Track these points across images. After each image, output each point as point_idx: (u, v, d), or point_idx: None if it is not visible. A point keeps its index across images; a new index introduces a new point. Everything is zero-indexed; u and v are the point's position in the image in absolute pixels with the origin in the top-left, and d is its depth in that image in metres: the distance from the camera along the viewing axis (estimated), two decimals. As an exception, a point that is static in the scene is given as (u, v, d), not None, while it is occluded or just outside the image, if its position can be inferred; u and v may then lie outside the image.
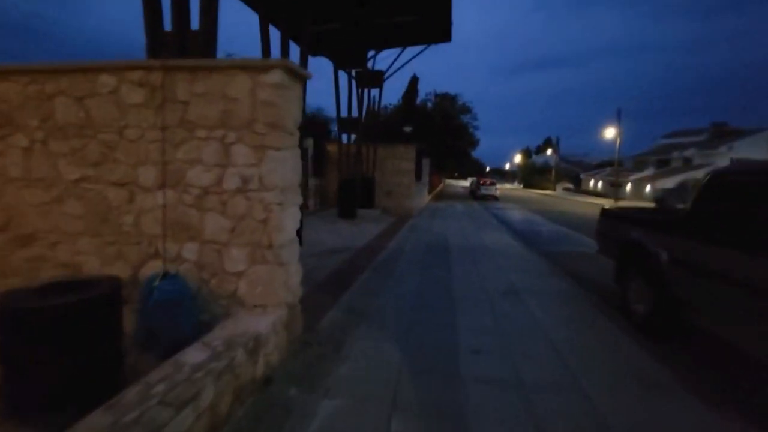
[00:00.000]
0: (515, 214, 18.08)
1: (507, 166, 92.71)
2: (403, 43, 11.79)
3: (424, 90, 27.25)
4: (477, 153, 59.92)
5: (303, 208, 3.70)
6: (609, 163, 58.84)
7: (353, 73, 12.06)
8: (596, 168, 57.85)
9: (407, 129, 19.39)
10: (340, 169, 11.78)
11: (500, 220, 14.43)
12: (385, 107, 25.00)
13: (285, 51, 6.27)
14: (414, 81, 25.06)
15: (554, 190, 50.62)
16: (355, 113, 12.21)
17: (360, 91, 12.25)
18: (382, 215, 12.67)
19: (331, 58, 10.55)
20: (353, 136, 12.43)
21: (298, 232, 3.27)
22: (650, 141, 47.04)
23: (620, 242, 4.48)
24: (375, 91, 12.32)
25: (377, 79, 12.05)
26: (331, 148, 13.44)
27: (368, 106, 12.31)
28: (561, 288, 5.28)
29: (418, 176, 20.81)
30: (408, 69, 26.25)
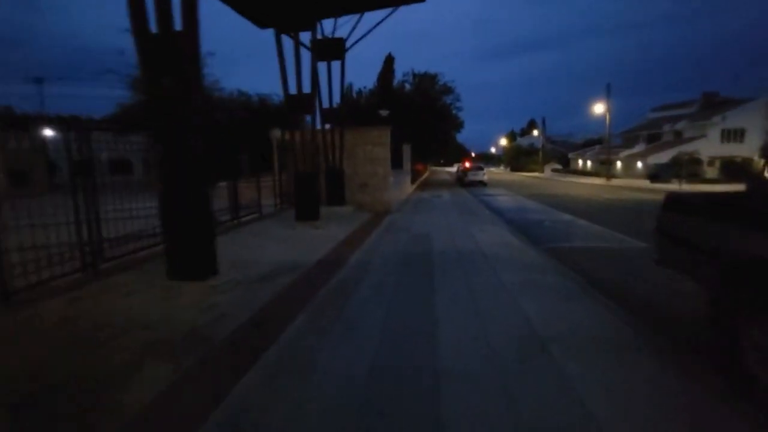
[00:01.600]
0: (507, 201, 16.25)
1: (492, 150, 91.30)
2: (365, 6, 9.70)
3: (401, 71, 25.05)
4: (461, 138, 58.12)
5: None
6: (595, 142, 57.77)
7: (309, 43, 9.93)
8: (582, 147, 56.67)
9: (383, 113, 17.32)
10: (297, 163, 9.68)
11: (493, 210, 12.56)
12: (360, 91, 22.92)
13: None
14: (389, 60, 22.90)
15: (542, 171, 49.20)
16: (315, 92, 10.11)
17: (315, 64, 10.12)
18: (355, 213, 10.66)
19: (273, 25, 8.37)
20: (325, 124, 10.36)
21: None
22: (637, 118, 45.79)
23: (723, 258, 2.57)
24: (337, 65, 10.22)
25: (337, 48, 9.95)
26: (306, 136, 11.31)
27: (329, 82, 10.23)
28: (604, 322, 3.39)
29: (398, 164, 18.80)
30: (382, 49, 24.04)
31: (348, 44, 10.06)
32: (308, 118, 10.30)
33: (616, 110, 33.26)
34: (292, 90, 8.35)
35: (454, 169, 52.89)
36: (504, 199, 17.12)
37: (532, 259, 5.96)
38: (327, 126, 10.40)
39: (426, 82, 22.54)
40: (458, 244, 6.98)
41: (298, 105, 8.05)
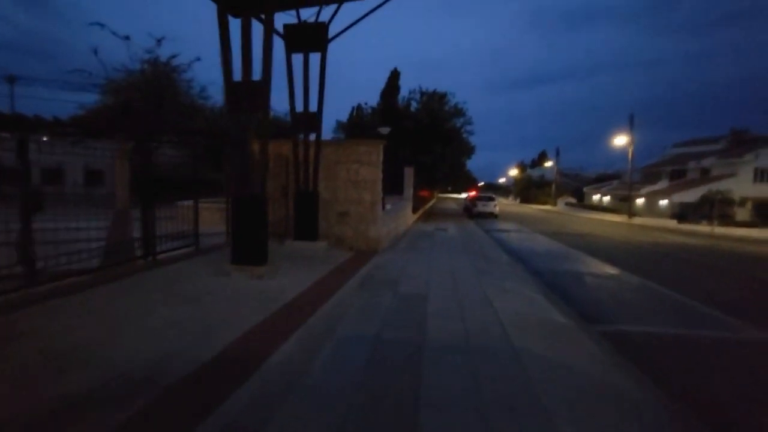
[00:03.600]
0: (526, 240, 13.54)
1: (502, 180, 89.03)
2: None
3: (408, 89, 23.02)
4: (470, 166, 55.99)
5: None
6: (610, 177, 55.24)
7: (280, 28, 7.66)
8: (595, 182, 54.08)
9: (383, 130, 15.01)
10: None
11: (510, 253, 9.88)
12: (360, 107, 20.77)
13: None
14: (394, 75, 20.85)
15: (555, 205, 46.53)
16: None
17: (289, 55, 7.81)
18: (329, 252, 8.05)
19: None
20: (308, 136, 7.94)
21: None
22: (655, 154, 43.33)
23: None
24: (316, 60, 7.88)
25: (316, 36, 7.63)
26: (270, 148, 8.88)
27: (305, 79, 7.86)
28: None
29: (397, 189, 16.32)
30: (387, 66, 21.81)
31: (332, 32, 7.76)
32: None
33: (634, 144, 30.82)
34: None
35: (462, 197, 50.50)
36: (521, 237, 14.41)
37: (602, 370, 3.27)
38: (302, 136, 7.97)
39: (434, 101, 20.40)
40: (469, 323, 4.30)
41: (243, 96, 5.61)
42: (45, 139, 5.41)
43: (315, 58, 7.79)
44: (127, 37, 15.20)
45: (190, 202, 9.44)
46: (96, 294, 4.44)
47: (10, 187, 4.40)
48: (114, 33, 15.65)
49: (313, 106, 7.94)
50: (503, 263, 8.17)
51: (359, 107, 21.06)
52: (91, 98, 17.10)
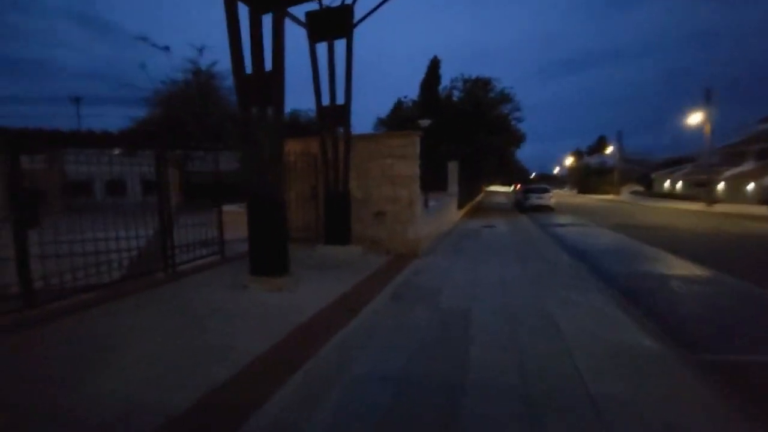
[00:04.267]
0: (588, 236, 11.96)
1: (556, 170, 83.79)
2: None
3: (449, 77, 21.74)
4: (519, 158, 53.04)
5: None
6: (679, 161, 49.47)
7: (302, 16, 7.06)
8: (664, 167, 48.72)
9: (424, 123, 14.07)
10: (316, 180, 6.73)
11: (574, 253, 8.56)
12: (400, 102, 19.90)
13: None
14: (434, 64, 19.69)
15: (619, 194, 42.61)
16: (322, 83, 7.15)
17: (312, 46, 7.18)
18: (362, 257, 7.35)
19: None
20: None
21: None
22: (728, 133, 37.88)
23: None
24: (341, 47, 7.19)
25: (340, 21, 6.93)
26: (297, 147, 8.40)
27: (330, 69, 7.19)
28: None
29: (438, 185, 15.31)
30: (426, 55, 20.64)
31: (358, 15, 7.03)
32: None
33: (701, 125, 26.83)
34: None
35: (511, 190, 48.03)
36: (582, 233, 12.81)
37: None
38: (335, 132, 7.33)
39: (478, 88, 19.03)
40: (525, 353, 3.35)
41: (259, 93, 5.03)
42: (116, 152, 5.34)
43: (341, 47, 7.10)
44: (166, 48, 15.59)
45: (234, 207, 9.23)
46: (89, 316, 4.04)
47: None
48: (154, 45, 16.16)
49: (340, 99, 7.28)
50: (564, 265, 6.97)
51: (399, 102, 20.25)
52: (142, 111, 17.83)
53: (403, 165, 7.64)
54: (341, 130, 7.40)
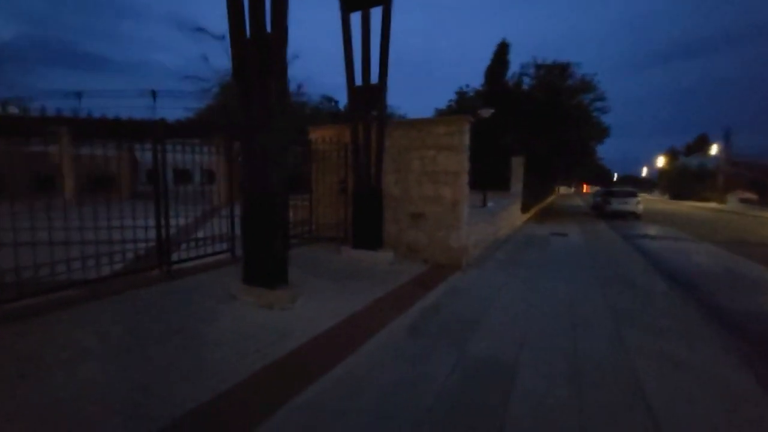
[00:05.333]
0: (692, 254, 9.52)
1: (644, 172, 74.73)
2: None
3: (519, 64, 19.45)
4: (601, 156, 47.77)
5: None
6: (811, 164, 40.62)
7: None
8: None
9: (484, 113, 12.42)
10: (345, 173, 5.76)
11: (672, 278, 6.54)
12: (462, 91, 18.15)
13: None
14: (502, 48, 17.58)
15: (723, 202, 36.25)
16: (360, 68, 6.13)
17: (346, 15, 6.12)
18: (393, 265, 6.19)
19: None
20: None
21: None
22: None
23: None
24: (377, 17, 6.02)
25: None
26: (322, 135, 7.48)
27: (364, 42, 6.07)
28: None
29: (499, 184, 13.56)
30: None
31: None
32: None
33: None
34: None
35: (590, 192, 43.44)
36: (680, 250, 10.31)
37: None
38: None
39: (554, 74, 16.65)
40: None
41: (258, 64, 4.05)
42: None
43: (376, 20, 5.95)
44: (222, 37, 15.67)
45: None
46: (30, 326, 3.36)
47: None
48: (213, 36, 16.35)
49: (375, 78, 6.14)
50: (659, 296, 5.16)
51: (461, 91, 18.51)
52: (204, 103, 18.33)
53: (448, 158, 6.29)
54: (376, 114, 6.28)
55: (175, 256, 5.16)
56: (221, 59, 16.98)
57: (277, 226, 4.16)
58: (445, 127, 6.27)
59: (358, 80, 6.26)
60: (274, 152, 4.10)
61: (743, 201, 34.92)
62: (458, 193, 6.26)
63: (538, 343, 3.50)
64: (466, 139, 6.22)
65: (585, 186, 29.48)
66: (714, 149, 43.25)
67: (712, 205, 35.44)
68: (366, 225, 6.34)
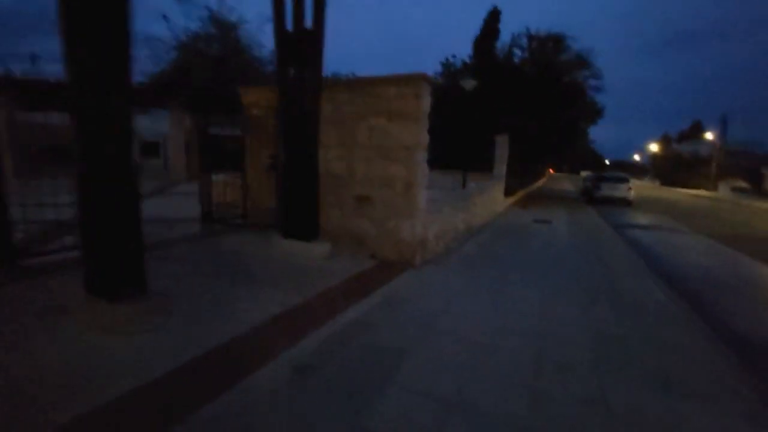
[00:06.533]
0: (691, 250, 8.45)
1: (636, 158, 74.00)
2: None
3: (510, 30, 17.83)
4: (593, 139, 46.66)
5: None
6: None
7: None
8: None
9: (466, 84, 11.04)
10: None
11: (672, 283, 5.44)
12: (448, 62, 16.59)
13: None
14: (493, 16, 15.94)
15: (715, 190, 35.59)
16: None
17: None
18: (324, 263, 4.98)
19: None
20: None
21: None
22: None
23: None
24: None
25: None
26: (257, 98, 6.12)
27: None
28: None
29: (481, 164, 12.32)
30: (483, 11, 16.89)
31: None
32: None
33: None
34: None
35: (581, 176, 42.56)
36: (677, 245, 9.25)
37: None
38: (292, 71, 4.87)
39: (547, 48, 15.19)
40: None
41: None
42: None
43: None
44: None
45: (221, 176, 7.23)
46: None
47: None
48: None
49: (309, 22, 4.75)
50: (659, 316, 4.04)
51: (447, 63, 16.92)
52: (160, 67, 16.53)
53: (402, 128, 4.99)
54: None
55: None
56: (181, 19, 15.11)
57: (122, 220, 2.88)
58: (397, 88, 4.94)
59: (291, 24, 4.86)
60: (108, 122, 2.77)
61: (736, 190, 34.28)
62: (413, 172, 5.00)
63: (478, 406, 2.33)
64: (425, 104, 4.92)
65: (550, 170, 28.55)
66: (708, 136, 42.28)
67: (704, 192, 34.78)
68: (298, 210, 5.07)
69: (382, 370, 2.63)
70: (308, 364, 2.63)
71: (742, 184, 36.71)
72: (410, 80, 4.85)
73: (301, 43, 4.72)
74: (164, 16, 15.89)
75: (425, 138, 5.08)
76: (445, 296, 4.14)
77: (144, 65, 15.42)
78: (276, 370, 2.52)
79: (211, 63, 14.42)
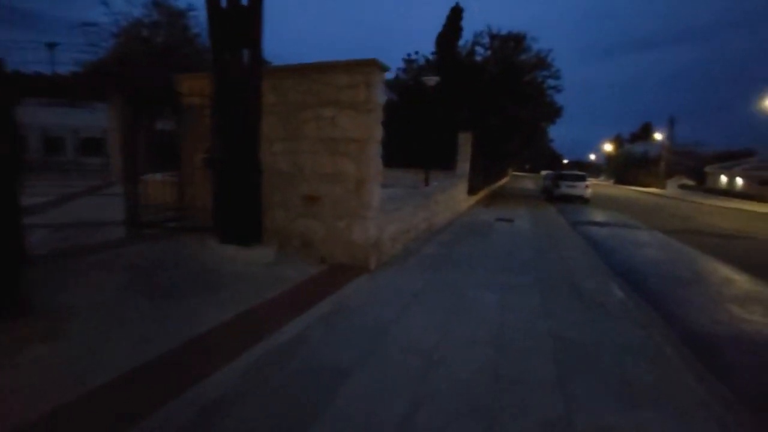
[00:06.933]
0: (645, 246, 8.58)
1: (592, 157, 77.58)
2: None
3: (472, 29, 17.88)
4: (553, 138, 48.32)
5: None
6: (737, 154, 43.40)
7: None
8: (717, 160, 42.88)
9: (429, 80, 10.77)
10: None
11: (628, 278, 5.36)
12: (411, 59, 16.36)
13: None
14: (456, 13, 15.85)
15: (664, 187, 37.72)
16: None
17: None
18: (267, 270, 4.48)
19: None
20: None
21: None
22: None
23: None
24: None
25: None
26: (193, 85, 5.49)
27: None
28: None
29: (444, 163, 12.16)
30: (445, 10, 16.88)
31: None
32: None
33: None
34: None
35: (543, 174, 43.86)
36: (632, 241, 9.41)
37: None
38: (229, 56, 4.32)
39: (508, 47, 15.31)
40: None
41: None
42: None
43: None
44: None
45: (158, 176, 6.50)
46: None
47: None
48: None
49: (247, -3, 4.22)
50: (617, 312, 3.86)
51: (409, 59, 16.67)
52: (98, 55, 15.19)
53: (352, 119, 4.56)
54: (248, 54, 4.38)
55: None
56: (122, 4, 13.88)
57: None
58: (348, 76, 4.51)
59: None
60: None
61: (682, 187, 36.50)
62: (365, 168, 4.58)
63: (433, 414, 1.95)
64: (378, 94, 4.51)
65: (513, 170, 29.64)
66: (658, 137, 44.86)
67: (654, 190, 36.76)
68: (238, 211, 4.53)
69: (316, 397, 2.20)
70: (222, 398, 2.15)
71: (688, 181, 39.20)
72: (361, 66, 4.43)
73: (237, 21, 4.18)
74: (103, 1, 14.62)
75: (379, 131, 4.68)
76: (399, 303, 3.76)
77: (79, 53, 14.07)
78: (172, 415, 2.02)
79: (157, 52, 13.36)
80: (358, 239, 4.69)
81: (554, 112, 16.63)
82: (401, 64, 17.04)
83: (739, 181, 32.13)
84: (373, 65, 4.37)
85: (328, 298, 3.69)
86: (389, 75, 17.85)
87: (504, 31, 15.65)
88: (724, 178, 34.80)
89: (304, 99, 4.78)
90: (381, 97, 4.57)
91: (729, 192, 30.76)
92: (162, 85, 6.75)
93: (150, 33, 14.00)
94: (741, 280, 5.82)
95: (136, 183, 5.20)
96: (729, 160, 40.27)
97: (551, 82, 16.38)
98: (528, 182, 40.13)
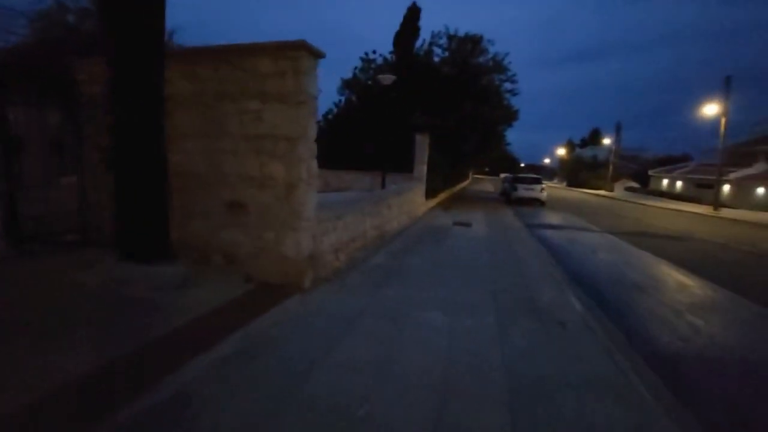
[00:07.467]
0: (597, 248, 8.48)
1: (547, 161, 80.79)
2: None
3: (430, 31, 17.58)
4: (510, 146, 49.59)
5: None
6: (675, 159, 46.68)
7: None
8: (658, 164, 45.97)
9: (384, 79, 10.24)
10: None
11: (581, 282, 5.04)
12: (368, 58, 15.80)
13: None
14: (413, 13, 15.49)
15: (611, 190, 39.65)
16: None
17: None
18: (181, 292, 3.72)
19: None
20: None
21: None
22: (737, 131, 34.51)
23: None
24: None
25: None
26: (99, 71, 4.58)
27: None
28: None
29: (401, 165, 11.71)
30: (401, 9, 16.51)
31: None
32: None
33: (705, 125, 23.21)
34: None
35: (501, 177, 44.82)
36: (587, 244, 9.34)
37: None
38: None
39: (465, 48, 15.15)
40: None
41: None
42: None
43: None
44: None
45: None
46: None
47: None
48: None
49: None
50: (574, 330, 3.44)
51: (366, 58, 16.07)
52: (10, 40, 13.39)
53: (280, 113, 3.88)
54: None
55: None
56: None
57: None
58: (273, 62, 3.82)
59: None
60: None
61: (628, 189, 38.48)
62: (296, 171, 3.92)
63: None
64: (309, 84, 3.86)
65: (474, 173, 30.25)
66: (606, 142, 47.23)
67: (602, 192, 38.52)
68: (138, 222, 3.71)
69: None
70: None
71: (634, 184, 41.43)
72: (288, 50, 3.75)
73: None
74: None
75: (313, 128, 4.03)
76: (331, 333, 3.13)
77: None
78: None
79: (85, 41, 11.90)
80: (289, 253, 4.01)
81: (511, 115, 16.68)
82: (359, 63, 16.44)
83: (679, 184, 34.34)
84: (302, 48, 3.71)
85: (238, 332, 2.98)
86: (347, 74, 17.20)
87: (461, 33, 15.46)
88: (665, 181, 37.08)
89: (224, 89, 4.04)
90: (314, 88, 3.93)
91: (670, 194, 32.71)
92: (53, 71, 5.70)
93: (77, 20, 12.48)
94: (694, 286, 5.70)
95: (13, 186, 4.20)
96: (669, 164, 43.19)
97: (507, 85, 16.43)
98: (488, 185, 40.85)
